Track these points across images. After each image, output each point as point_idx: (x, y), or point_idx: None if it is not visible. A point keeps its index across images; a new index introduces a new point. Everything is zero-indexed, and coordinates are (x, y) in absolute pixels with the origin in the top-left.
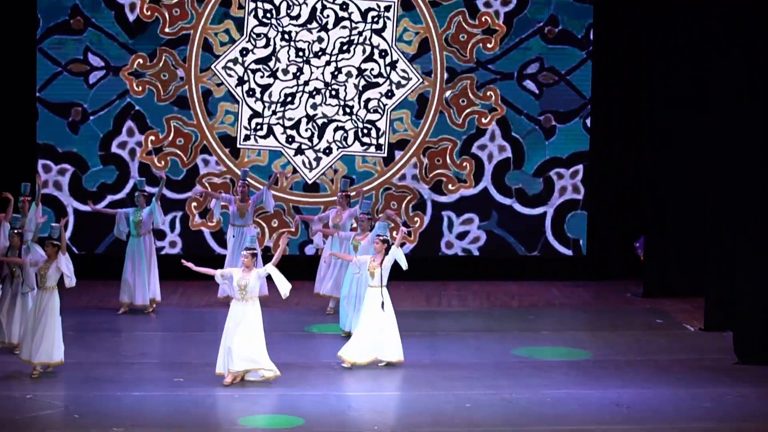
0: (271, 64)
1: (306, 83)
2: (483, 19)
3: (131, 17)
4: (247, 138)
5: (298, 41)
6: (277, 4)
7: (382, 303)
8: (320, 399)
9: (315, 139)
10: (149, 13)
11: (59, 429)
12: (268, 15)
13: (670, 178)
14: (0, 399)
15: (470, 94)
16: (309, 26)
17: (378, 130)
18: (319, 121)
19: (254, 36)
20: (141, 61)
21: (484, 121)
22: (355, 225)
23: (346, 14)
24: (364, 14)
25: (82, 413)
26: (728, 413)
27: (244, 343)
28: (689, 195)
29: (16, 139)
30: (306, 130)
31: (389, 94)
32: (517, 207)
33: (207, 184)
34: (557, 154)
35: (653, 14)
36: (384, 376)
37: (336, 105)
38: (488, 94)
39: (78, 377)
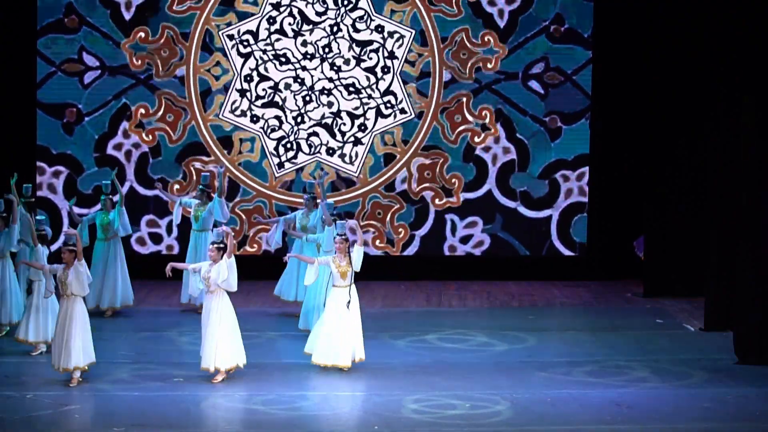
0: (305, 29)
1: (304, 68)
2: (486, 39)
3: (128, 16)
4: (233, 42)
5: (338, 39)
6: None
7: (348, 302)
8: (320, 400)
9: (270, 101)
10: None
11: (59, 429)
12: (341, 6)
13: (670, 177)
14: (0, 399)
15: (465, 112)
16: (354, 43)
17: (303, 159)
18: (279, 96)
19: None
20: (143, 35)
21: (477, 139)
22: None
23: (379, 72)
24: (384, 93)
25: (82, 413)
26: (728, 413)
27: (225, 338)
28: (689, 194)
29: (15, 141)
30: (263, 90)
31: (330, 150)
32: (522, 210)
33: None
34: (563, 155)
35: (653, 15)
36: (383, 376)
37: (295, 107)
38: (483, 113)
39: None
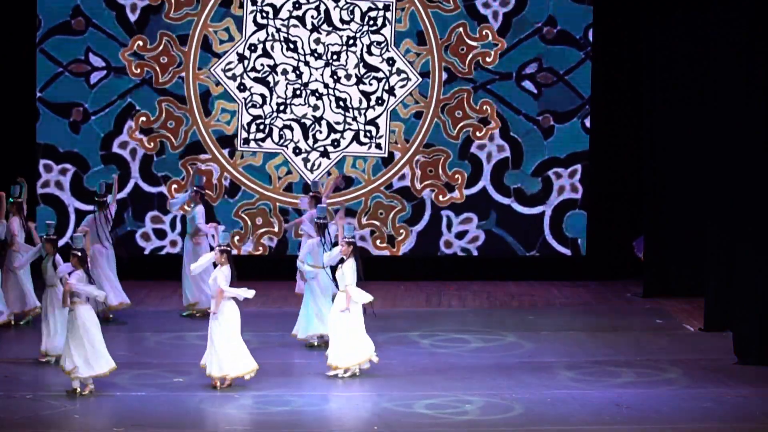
0: (324, 28)
1: (306, 63)
2: (483, 33)
3: (133, 18)
4: (253, 8)
5: (350, 52)
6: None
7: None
8: (320, 400)
9: (262, 78)
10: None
11: (59, 429)
12: (365, 25)
13: (670, 177)
14: (0, 399)
15: (466, 107)
16: (361, 63)
17: (269, 146)
18: (273, 78)
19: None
20: (141, 43)
21: (478, 134)
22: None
23: (372, 100)
24: (369, 122)
25: (82, 413)
26: (728, 413)
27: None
28: (689, 195)
29: (16, 140)
30: (261, 65)
31: (296, 150)
32: (516, 206)
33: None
34: (556, 153)
35: (652, 14)
36: (384, 377)
37: (283, 95)
38: (484, 108)
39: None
